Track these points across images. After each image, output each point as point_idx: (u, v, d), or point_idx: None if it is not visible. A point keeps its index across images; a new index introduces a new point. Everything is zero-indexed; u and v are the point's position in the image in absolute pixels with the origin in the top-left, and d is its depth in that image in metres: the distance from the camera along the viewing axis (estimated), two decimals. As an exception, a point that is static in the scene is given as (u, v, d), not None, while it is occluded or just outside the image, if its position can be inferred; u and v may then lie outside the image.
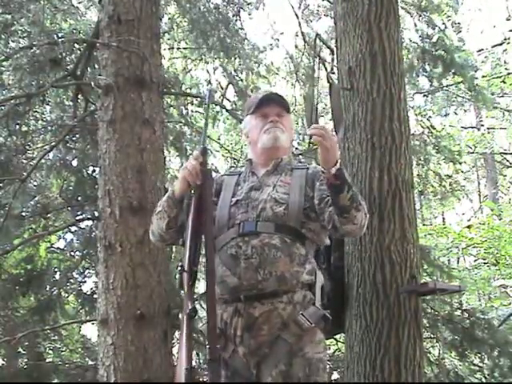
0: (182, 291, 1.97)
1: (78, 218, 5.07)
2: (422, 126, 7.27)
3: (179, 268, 1.90)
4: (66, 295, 5.57)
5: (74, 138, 5.13)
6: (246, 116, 2.24)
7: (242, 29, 7.02)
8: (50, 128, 5.35)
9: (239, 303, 1.95)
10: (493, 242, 7.86)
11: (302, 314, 1.96)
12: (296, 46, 8.13)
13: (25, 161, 5.11)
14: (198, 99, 6.42)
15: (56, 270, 5.56)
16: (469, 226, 8.44)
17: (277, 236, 1.99)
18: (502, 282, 8.10)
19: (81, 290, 5.49)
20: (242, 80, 6.97)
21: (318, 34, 4.96)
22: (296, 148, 6.00)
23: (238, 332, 1.94)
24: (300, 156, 5.14)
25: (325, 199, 2.02)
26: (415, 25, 6.63)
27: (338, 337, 4.40)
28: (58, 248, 6.00)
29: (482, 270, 8.20)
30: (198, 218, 1.92)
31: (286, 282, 1.96)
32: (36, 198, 5.19)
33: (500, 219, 8.69)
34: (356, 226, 1.98)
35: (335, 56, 3.51)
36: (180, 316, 4.46)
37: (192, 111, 6.80)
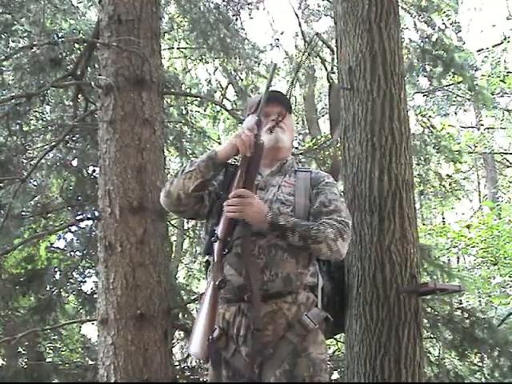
0: (210, 258, 1.97)
1: (78, 217, 5.07)
2: (422, 126, 7.27)
3: (212, 237, 1.91)
4: (66, 295, 5.56)
5: (74, 138, 5.13)
6: (248, 116, 2.19)
7: (242, 29, 7.03)
8: (50, 128, 5.35)
9: (242, 303, 1.94)
10: (492, 241, 7.85)
11: (306, 315, 1.97)
12: (296, 46, 8.15)
13: (25, 161, 5.11)
14: (198, 99, 6.42)
15: (56, 269, 5.55)
16: (468, 226, 8.42)
17: None
18: (501, 280, 8.10)
19: (81, 289, 5.49)
20: (242, 80, 6.97)
21: (317, 34, 4.96)
22: (296, 148, 5.99)
23: (242, 332, 1.94)
24: (300, 156, 5.13)
25: (315, 211, 2.04)
26: (415, 24, 6.63)
27: (337, 337, 4.40)
28: (57, 248, 5.99)
29: (481, 270, 8.20)
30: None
31: (291, 284, 1.96)
32: (36, 198, 5.19)
33: (499, 219, 8.68)
34: (327, 255, 1.98)
35: (335, 56, 3.50)
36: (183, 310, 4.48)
37: (192, 111, 6.80)
